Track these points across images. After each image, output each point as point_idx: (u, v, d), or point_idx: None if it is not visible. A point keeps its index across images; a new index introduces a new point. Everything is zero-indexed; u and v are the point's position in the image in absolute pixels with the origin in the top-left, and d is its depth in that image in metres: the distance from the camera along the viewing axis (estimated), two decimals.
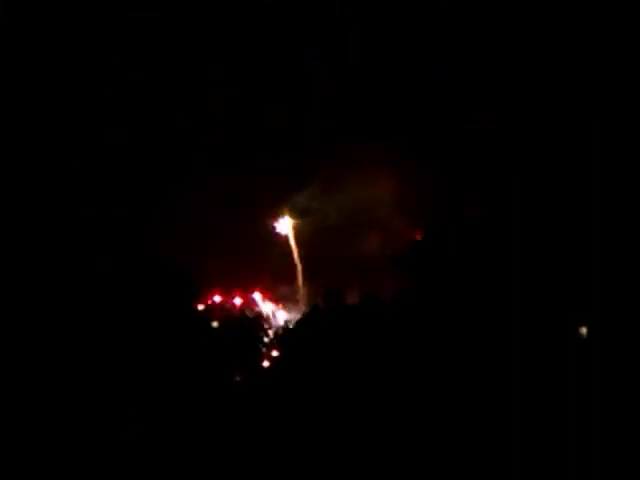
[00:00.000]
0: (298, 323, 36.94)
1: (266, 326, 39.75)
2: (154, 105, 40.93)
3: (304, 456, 30.31)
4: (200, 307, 37.08)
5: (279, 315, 41.66)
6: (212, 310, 38.63)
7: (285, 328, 37.93)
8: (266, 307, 42.64)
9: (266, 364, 35.77)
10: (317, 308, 36.24)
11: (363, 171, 41.07)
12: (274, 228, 43.39)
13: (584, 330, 33.91)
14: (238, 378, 34.54)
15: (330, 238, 41.55)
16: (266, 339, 37.99)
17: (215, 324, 36.13)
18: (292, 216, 43.69)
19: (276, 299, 42.58)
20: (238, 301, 41.74)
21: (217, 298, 40.53)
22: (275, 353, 35.80)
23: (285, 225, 43.52)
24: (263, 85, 42.38)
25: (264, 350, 36.72)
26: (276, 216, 43.69)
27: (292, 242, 43.27)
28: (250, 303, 42.38)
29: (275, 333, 38.33)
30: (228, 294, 41.38)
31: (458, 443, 29.97)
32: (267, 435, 31.08)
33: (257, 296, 42.34)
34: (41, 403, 30.07)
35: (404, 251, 36.05)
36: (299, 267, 42.45)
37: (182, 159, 42.18)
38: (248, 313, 40.91)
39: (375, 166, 40.56)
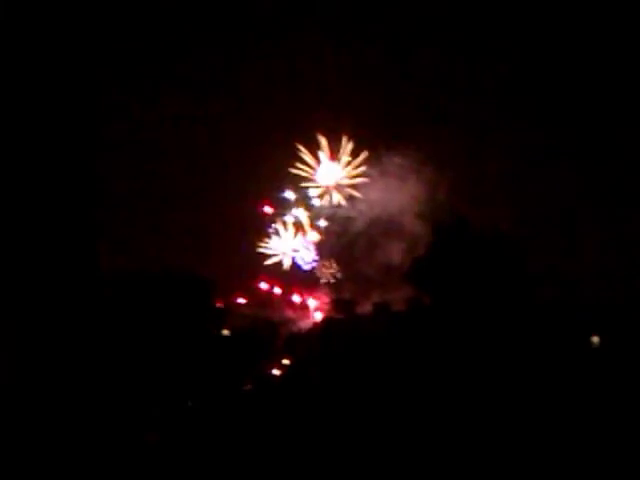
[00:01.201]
0: (310, 332, 36.83)
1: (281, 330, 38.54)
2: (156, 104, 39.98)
3: (311, 465, 30.39)
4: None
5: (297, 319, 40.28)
6: (219, 316, 37.49)
7: (297, 336, 37.48)
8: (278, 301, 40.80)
9: (277, 372, 35.59)
10: (329, 318, 36.23)
11: (388, 180, 40.44)
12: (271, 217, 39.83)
13: (596, 339, 33.88)
14: (249, 386, 34.44)
15: (354, 246, 40.26)
16: (279, 343, 37.27)
17: (226, 332, 35.90)
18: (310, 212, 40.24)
19: (294, 306, 40.80)
20: (242, 300, 39.51)
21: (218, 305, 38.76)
22: (286, 361, 35.64)
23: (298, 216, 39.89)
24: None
25: (277, 356, 36.29)
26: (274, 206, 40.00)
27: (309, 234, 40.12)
28: (257, 298, 39.89)
29: (288, 339, 37.62)
30: (229, 295, 39.56)
31: (472, 451, 30.05)
32: (275, 445, 31.08)
33: (264, 286, 39.98)
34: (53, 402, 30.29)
35: (417, 262, 35.90)
36: (322, 271, 40.34)
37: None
38: (262, 313, 39.15)
39: (400, 175, 40.13)
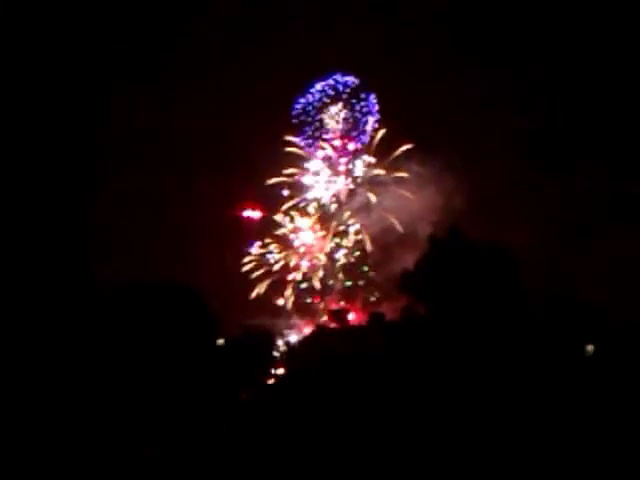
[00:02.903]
0: (304, 342, 36.83)
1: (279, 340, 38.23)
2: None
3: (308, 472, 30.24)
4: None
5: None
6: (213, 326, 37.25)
7: (292, 346, 37.45)
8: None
9: (271, 382, 35.54)
10: (322, 328, 36.20)
11: (402, 189, 40.03)
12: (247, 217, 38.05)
13: (590, 348, 34.05)
14: (244, 396, 34.35)
15: (367, 256, 39.30)
16: (276, 353, 37.09)
17: (221, 341, 35.84)
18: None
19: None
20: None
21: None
22: (281, 371, 35.60)
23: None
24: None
25: (271, 366, 36.22)
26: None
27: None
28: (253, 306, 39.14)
29: (284, 349, 37.46)
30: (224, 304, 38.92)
31: (467, 457, 29.99)
32: (270, 453, 30.93)
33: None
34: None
35: (413, 272, 35.84)
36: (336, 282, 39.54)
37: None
38: (258, 322, 38.90)
39: (413, 184, 39.93)
